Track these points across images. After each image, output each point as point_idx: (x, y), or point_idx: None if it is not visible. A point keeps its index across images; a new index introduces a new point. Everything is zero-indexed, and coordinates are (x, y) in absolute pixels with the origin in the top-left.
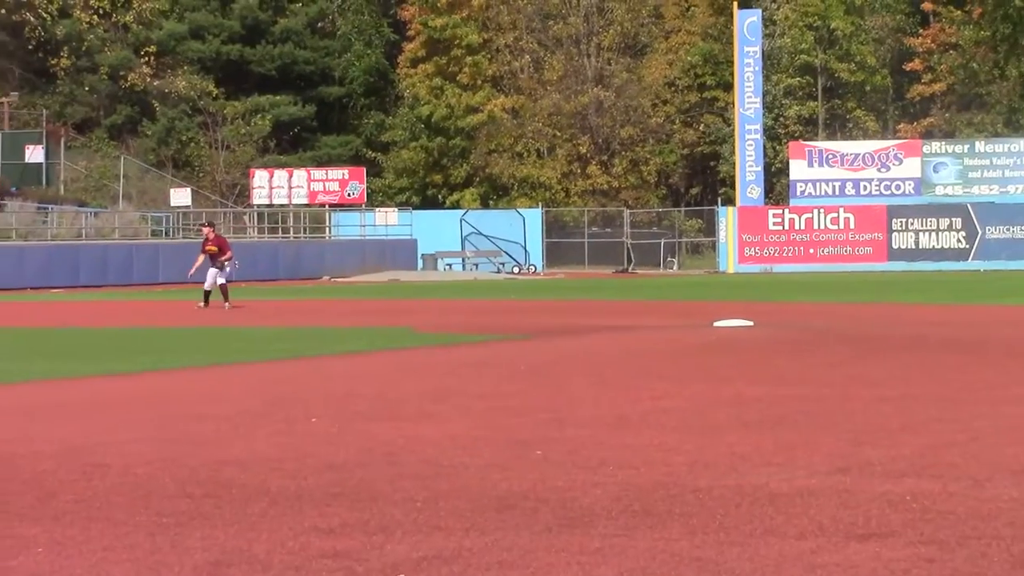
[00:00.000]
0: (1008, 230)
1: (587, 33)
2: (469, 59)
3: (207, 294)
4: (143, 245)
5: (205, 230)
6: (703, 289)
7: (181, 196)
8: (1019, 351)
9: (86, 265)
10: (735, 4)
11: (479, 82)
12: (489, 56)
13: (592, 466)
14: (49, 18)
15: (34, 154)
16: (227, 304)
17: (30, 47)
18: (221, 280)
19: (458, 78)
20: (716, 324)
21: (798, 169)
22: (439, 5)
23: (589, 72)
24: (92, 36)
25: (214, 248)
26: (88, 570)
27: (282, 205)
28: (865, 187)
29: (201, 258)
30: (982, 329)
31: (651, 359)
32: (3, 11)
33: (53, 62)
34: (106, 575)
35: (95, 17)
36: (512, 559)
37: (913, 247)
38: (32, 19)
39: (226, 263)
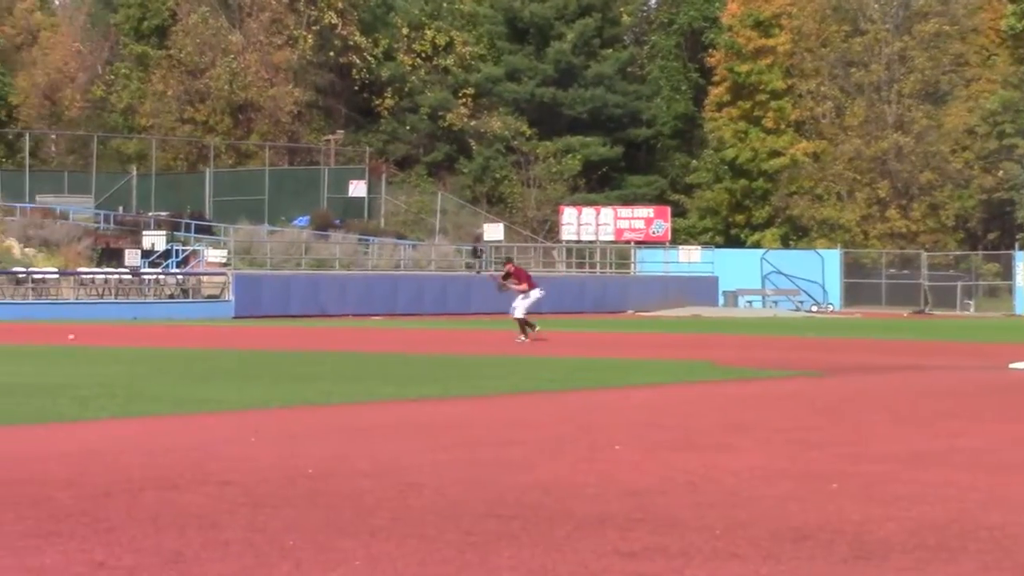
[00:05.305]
0: None
1: (888, 80)
2: (773, 104)
3: (522, 323)
4: (457, 277)
5: (506, 266)
6: (999, 332)
7: (494, 231)
8: None
9: (403, 294)
10: None
11: (782, 126)
12: (792, 101)
13: (887, 500)
14: (374, 61)
15: (357, 189)
16: (522, 337)
17: (356, 88)
18: (522, 312)
19: (762, 122)
20: (1012, 366)
21: None
22: (744, 52)
23: (889, 118)
24: (414, 78)
25: (505, 276)
26: None
27: (589, 241)
28: None
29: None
30: None
31: (947, 398)
32: (332, 54)
33: (377, 102)
34: None
35: (417, 60)
36: None
37: None
38: (358, 62)
39: (522, 292)
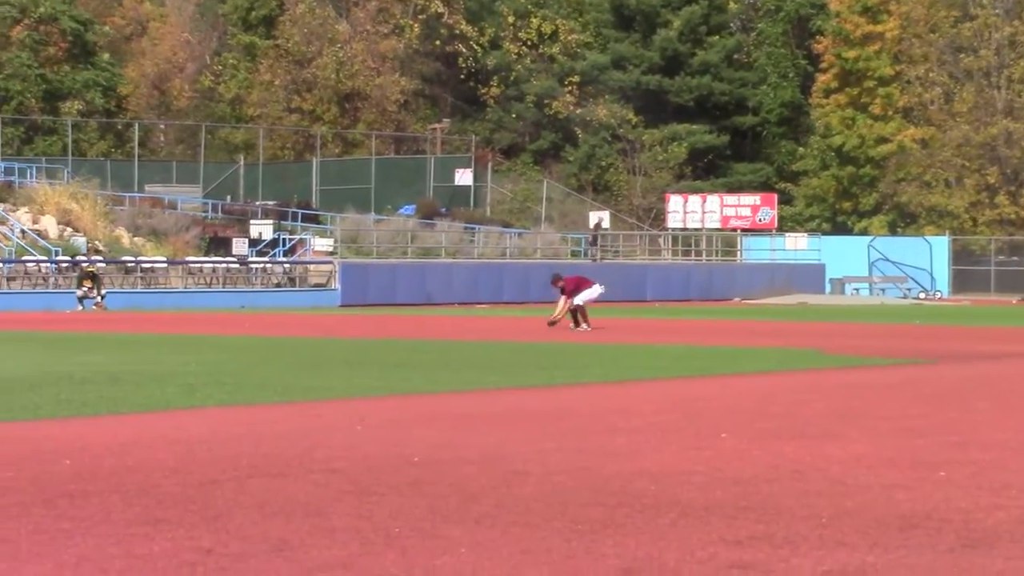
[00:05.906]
0: None
1: (998, 66)
2: (881, 90)
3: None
4: (563, 265)
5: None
6: None
7: (600, 219)
8: None
9: (509, 282)
10: None
11: (890, 113)
12: (900, 88)
13: (995, 488)
14: (480, 50)
15: (463, 177)
16: (577, 327)
17: (462, 76)
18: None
19: (870, 109)
20: None
21: None
22: (852, 38)
23: (999, 104)
24: (520, 67)
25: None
26: (507, 572)
27: (695, 229)
28: None
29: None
30: None
31: None
32: (438, 43)
33: (483, 91)
34: None
35: (523, 48)
36: None
37: None
38: (464, 51)
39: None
